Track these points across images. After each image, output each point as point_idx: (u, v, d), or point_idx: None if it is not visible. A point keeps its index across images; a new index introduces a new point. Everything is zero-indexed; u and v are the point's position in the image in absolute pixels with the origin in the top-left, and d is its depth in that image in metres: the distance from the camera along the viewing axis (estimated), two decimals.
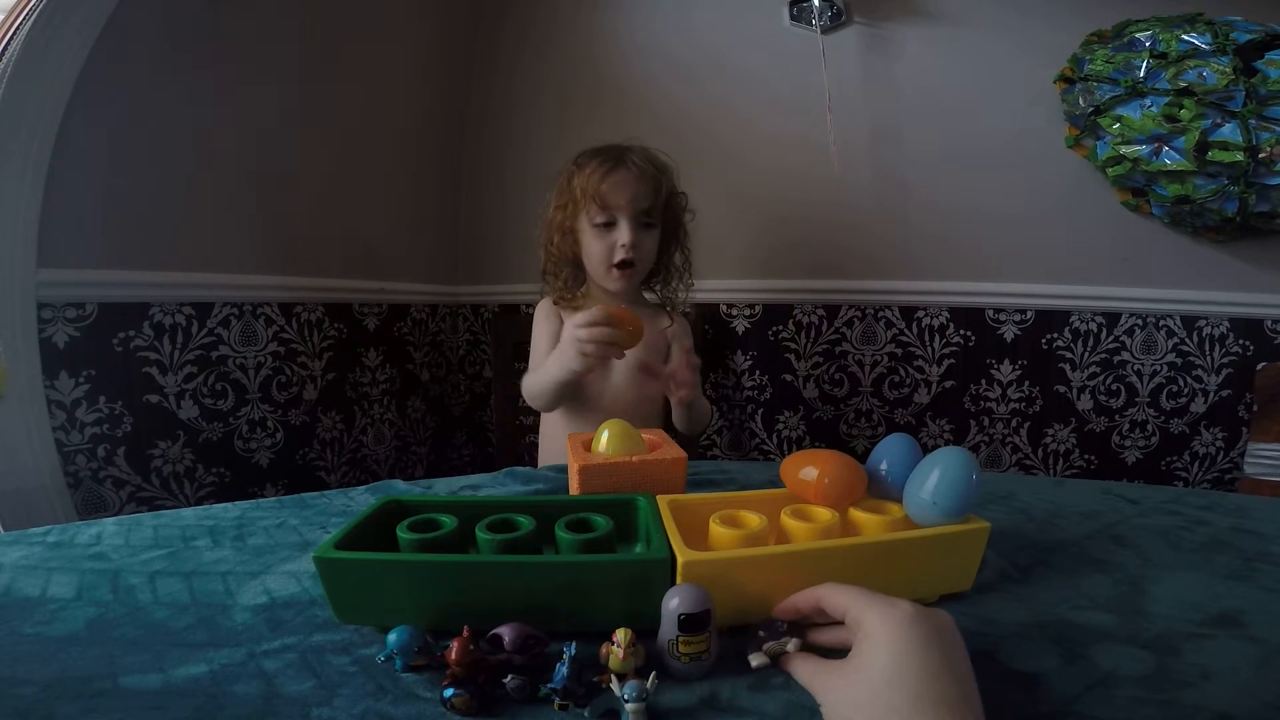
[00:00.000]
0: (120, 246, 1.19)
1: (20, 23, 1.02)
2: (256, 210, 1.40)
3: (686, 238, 1.21)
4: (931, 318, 1.67)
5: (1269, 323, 1.59)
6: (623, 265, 1.09)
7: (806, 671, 0.38)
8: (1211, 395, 1.63)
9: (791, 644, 0.41)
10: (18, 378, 1.07)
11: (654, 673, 0.38)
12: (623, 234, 1.07)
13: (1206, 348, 1.62)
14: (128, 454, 1.22)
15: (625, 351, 0.88)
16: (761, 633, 0.42)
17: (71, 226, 1.12)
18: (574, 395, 1.12)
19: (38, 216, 1.07)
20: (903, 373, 1.71)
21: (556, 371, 0.96)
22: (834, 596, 0.39)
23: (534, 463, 1.44)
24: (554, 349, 1.02)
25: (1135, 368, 1.64)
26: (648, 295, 1.23)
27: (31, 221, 1.06)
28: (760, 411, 1.75)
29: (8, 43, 1.01)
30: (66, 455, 1.14)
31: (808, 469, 0.54)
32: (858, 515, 0.53)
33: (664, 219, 1.14)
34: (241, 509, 0.72)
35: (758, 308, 1.71)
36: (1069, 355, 1.66)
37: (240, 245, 1.38)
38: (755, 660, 0.41)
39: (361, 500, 0.76)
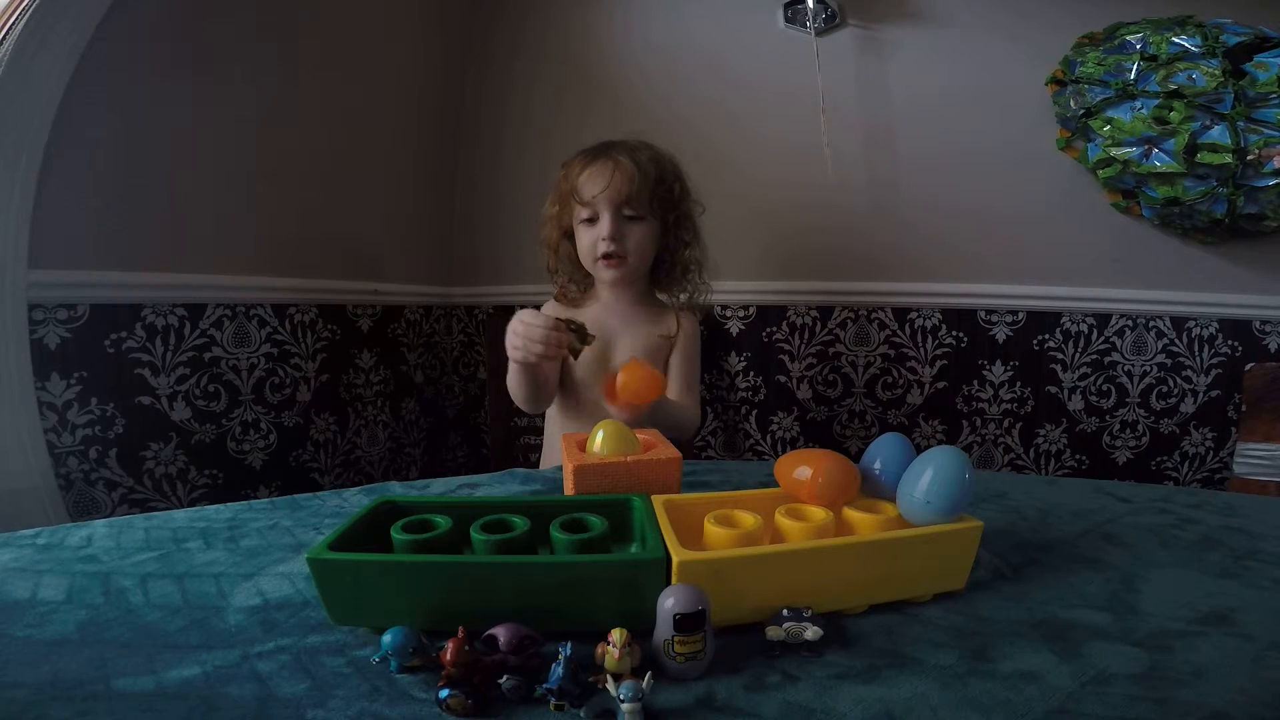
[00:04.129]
0: (112, 247, 1.19)
1: (12, 23, 1.01)
2: (249, 211, 1.39)
3: (695, 234, 1.16)
4: (924, 319, 1.68)
5: (1257, 323, 1.60)
6: (607, 257, 1.07)
7: None
8: (1201, 396, 1.64)
9: (810, 630, 0.42)
10: (8, 379, 1.06)
11: (649, 673, 0.38)
12: (602, 226, 1.06)
13: (1196, 348, 1.63)
14: (120, 456, 1.21)
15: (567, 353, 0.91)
16: (786, 611, 0.43)
17: (63, 227, 1.11)
18: (571, 395, 1.12)
19: (29, 217, 1.06)
20: (895, 374, 1.71)
21: (512, 366, 1.00)
22: None
23: (531, 464, 1.44)
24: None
25: (1125, 368, 1.65)
26: (661, 296, 1.20)
27: (23, 222, 1.06)
28: (754, 412, 1.76)
29: (1, 41, 1.00)
30: (58, 457, 1.13)
31: (802, 468, 0.54)
32: (851, 515, 0.53)
33: (661, 212, 1.11)
34: (234, 510, 0.71)
35: (751, 309, 1.72)
36: (1060, 356, 1.67)
37: (233, 246, 1.37)
38: (772, 633, 0.42)
39: (355, 501, 0.75)
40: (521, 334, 0.89)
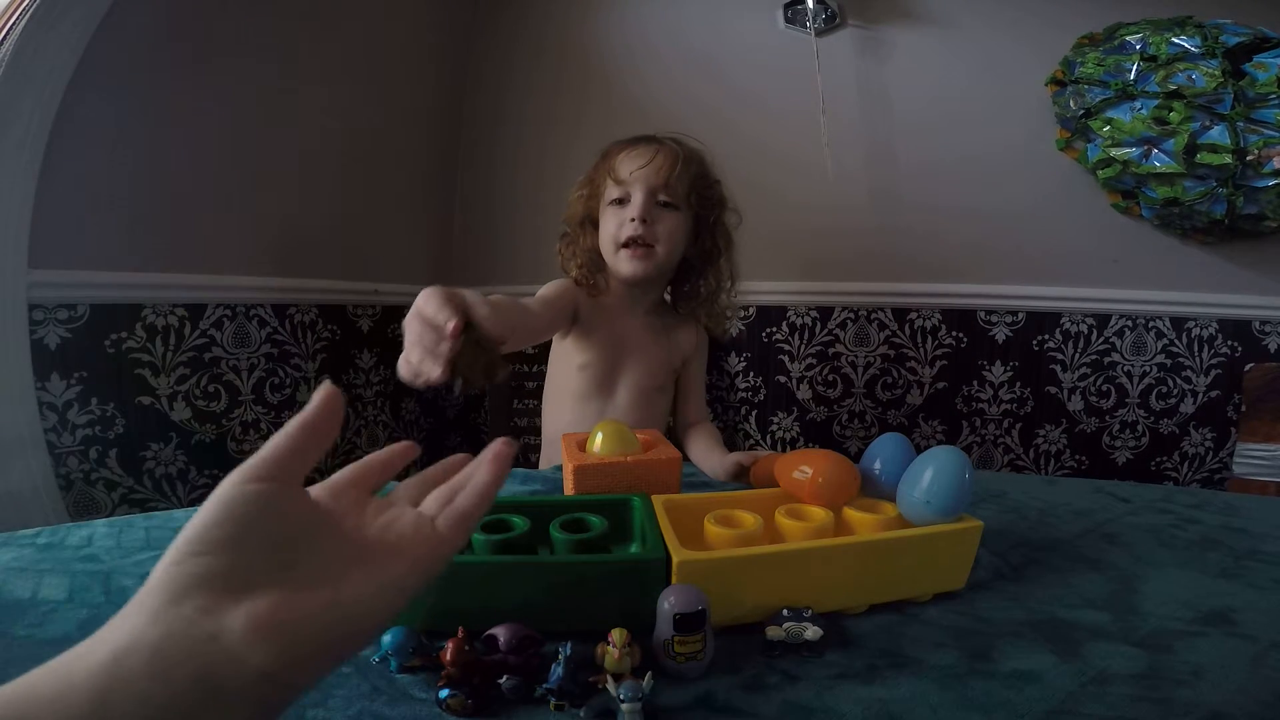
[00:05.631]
0: (112, 247, 1.19)
1: (14, 22, 1.01)
2: (249, 211, 1.39)
3: (729, 243, 1.06)
4: (924, 319, 1.68)
5: (1257, 324, 1.60)
6: (632, 243, 0.96)
7: None
8: (1200, 396, 1.64)
9: (810, 630, 0.42)
10: (8, 379, 1.06)
11: (649, 673, 0.37)
12: (633, 206, 0.95)
13: (1195, 349, 1.63)
14: (120, 456, 1.21)
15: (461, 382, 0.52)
16: (786, 611, 0.44)
17: (63, 227, 1.11)
18: (570, 394, 1.06)
19: (30, 217, 1.06)
20: (895, 374, 1.71)
21: None
22: None
23: (531, 464, 1.43)
24: (539, 307, 0.95)
25: (1125, 369, 1.65)
26: (680, 310, 1.10)
27: (23, 222, 1.05)
28: (754, 413, 1.76)
29: (1, 41, 1.00)
30: (58, 457, 1.13)
31: (802, 468, 0.54)
32: (851, 514, 0.53)
33: (698, 207, 1.02)
34: None
35: (751, 309, 1.72)
36: (1060, 356, 1.67)
37: (233, 246, 1.37)
38: (772, 633, 0.42)
39: None
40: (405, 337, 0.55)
